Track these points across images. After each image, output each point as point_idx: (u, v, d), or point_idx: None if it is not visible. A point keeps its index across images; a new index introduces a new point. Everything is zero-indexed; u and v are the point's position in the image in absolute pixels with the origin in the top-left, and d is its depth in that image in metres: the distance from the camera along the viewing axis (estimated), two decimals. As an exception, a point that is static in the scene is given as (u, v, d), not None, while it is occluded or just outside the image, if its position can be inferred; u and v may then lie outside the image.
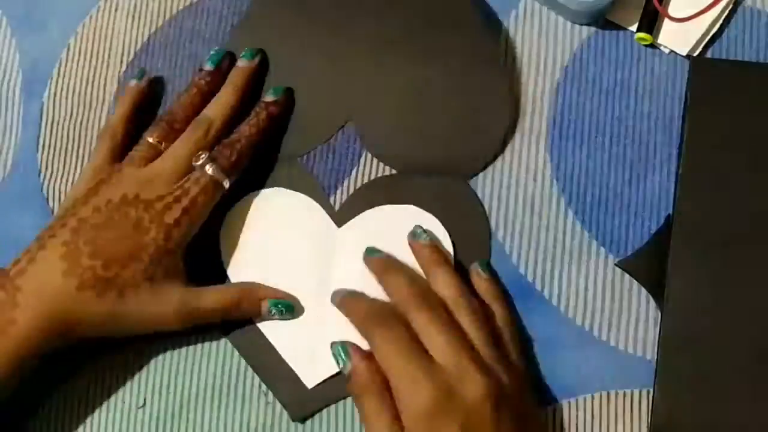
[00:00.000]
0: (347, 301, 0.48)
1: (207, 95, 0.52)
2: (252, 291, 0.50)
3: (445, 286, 0.47)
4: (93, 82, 0.57)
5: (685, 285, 0.46)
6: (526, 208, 0.51)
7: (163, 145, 0.50)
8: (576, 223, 0.50)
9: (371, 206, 0.51)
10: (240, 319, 0.50)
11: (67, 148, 0.56)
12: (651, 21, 0.50)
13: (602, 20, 0.52)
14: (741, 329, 0.46)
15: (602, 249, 0.50)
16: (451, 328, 0.44)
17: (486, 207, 0.51)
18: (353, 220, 0.51)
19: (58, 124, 0.56)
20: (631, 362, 0.48)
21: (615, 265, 0.49)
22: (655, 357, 0.47)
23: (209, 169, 0.49)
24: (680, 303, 0.46)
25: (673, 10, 0.51)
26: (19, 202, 0.55)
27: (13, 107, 0.57)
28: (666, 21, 0.50)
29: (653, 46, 0.51)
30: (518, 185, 0.51)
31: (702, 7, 0.49)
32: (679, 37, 0.50)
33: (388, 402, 0.43)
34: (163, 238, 0.47)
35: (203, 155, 0.49)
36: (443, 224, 0.50)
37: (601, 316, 0.49)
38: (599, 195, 0.50)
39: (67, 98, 0.57)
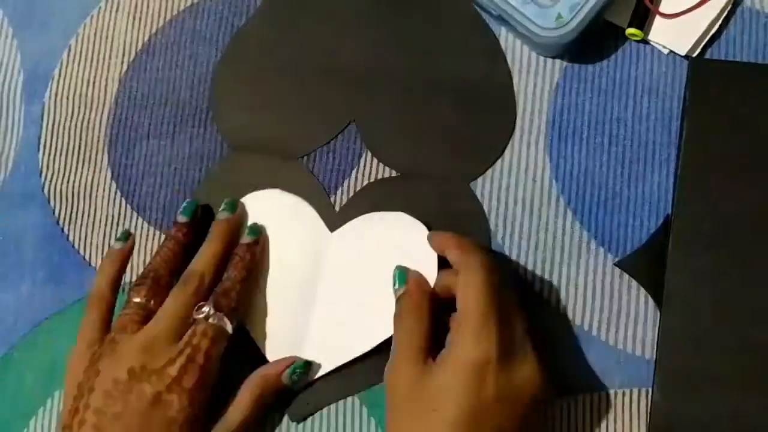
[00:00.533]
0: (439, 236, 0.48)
1: (186, 246, 0.50)
2: (266, 379, 0.48)
3: None
4: (94, 82, 0.57)
5: (684, 284, 0.46)
6: (525, 208, 0.51)
7: (152, 302, 0.48)
8: (575, 223, 0.50)
9: (372, 208, 0.52)
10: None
11: (67, 149, 0.56)
12: (642, 17, 0.51)
13: (571, 54, 0.52)
14: (740, 329, 0.46)
15: (601, 249, 0.50)
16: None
17: (486, 207, 0.51)
18: (345, 226, 0.51)
19: (59, 124, 0.56)
20: (631, 362, 0.48)
21: (614, 264, 0.49)
22: (654, 356, 0.47)
23: (213, 319, 0.46)
24: (679, 302, 0.46)
25: (664, 7, 0.51)
26: (20, 202, 0.55)
27: (14, 107, 0.57)
28: (665, 21, 0.51)
29: (645, 42, 0.51)
30: (518, 185, 0.51)
31: (691, 4, 0.50)
32: (678, 37, 0.51)
33: (425, 330, 0.44)
34: (188, 404, 0.45)
35: (205, 307, 0.47)
36: (442, 227, 0.50)
37: (601, 316, 0.49)
38: (598, 195, 0.50)
39: (68, 98, 0.57)
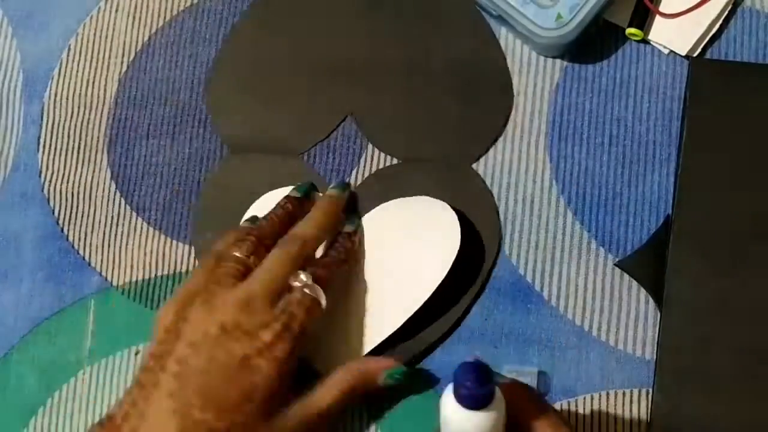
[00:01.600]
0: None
1: (294, 218, 0.49)
2: (365, 374, 0.46)
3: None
4: (94, 82, 0.57)
5: (684, 285, 0.46)
6: (525, 208, 0.51)
7: (251, 259, 0.45)
8: (575, 223, 0.50)
9: (378, 197, 0.52)
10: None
11: (67, 149, 0.56)
12: (642, 17, 0.51)
13: (571, 54, 0.52)
14: (740, 329, 0.46)
15: (601, 249, 0.50)
16: None
17: (486, 207, 0.51)
18: (368, 214, 0.51)
19: (58, 124, 0.56)
20: (631, 362, 0.48)
21: (614, 265, 0.49)
22: (655, 357, 0.47)
23: (310, 290, 0.45)
24: (679, 303, 0.46)
25: (665, 7, 0.51)
26: (20, 202, 0.55)
27: (14, 108, 0.57)
28: (665, 21, 0.51)
29: (646, 42, 0.51)
30: (518, 185, 0.51)
31: (692, 4, 0.50)
32: (678, 37, 0.51)
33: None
34: (276, 374, 0.42)
35: (303, 275, 0.45)
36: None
37: (601, 316, 0.49)
38: (599, 195, 0.50)
39: (67, 99, 0.57)
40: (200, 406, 0.41)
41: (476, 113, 0.52)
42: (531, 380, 0.48)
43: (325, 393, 0.45)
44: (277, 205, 0.50)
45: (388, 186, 0.52)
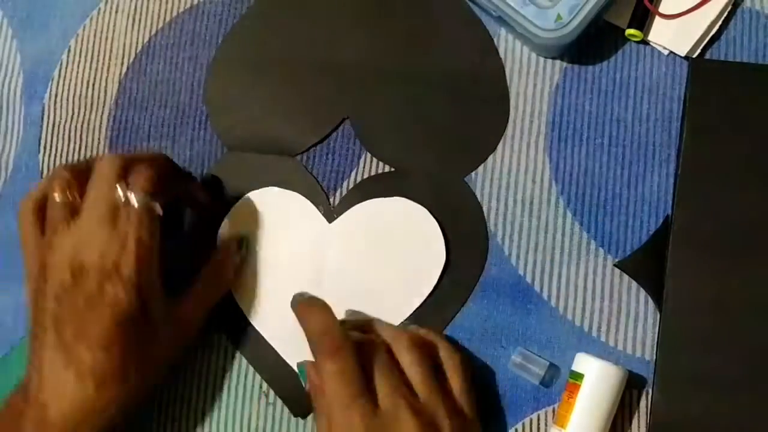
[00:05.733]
0: (304, 310, 0.47)
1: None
2: (221, 262, 0.50)
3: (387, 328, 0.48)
4: (94, 83, 0.57)
5: (683, 285, 0.46)
6: (525, 208, 0.51)
7: (76, 198, 0.46)
8: (575, 223, 0.50)
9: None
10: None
11: (68, 150, 0.56)
12: (642, 18, 0.51)
13: (570, 55, 0.52)
14: (740, 329, 0.46)
15: (601, 249, 0.50)
16: (393, 370, 0.45)
17: (485, 208, 0.51)
18: (344, 214, 0.52)
19: (59, 125, 0.56)
20: (630, 362, 0.48)
21: (614, 265, 0.49)
22: (654, 357, 0.47)
23: (134, 199, 0.45)
24: (679, 303, 0.46)
25: (664, 8, 0.51)
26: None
27: (14, 109, 0.57)
28: (664, 22, 0.51)
29: (645, 42, 0.51)
30: (517, 186, 0.51)
31: (691, 5, 0.50)
32: (677, 38, 0.51)
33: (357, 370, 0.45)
34: (135, 291, 0.44)
35: (121, 188, 0.45)
36: (440, 221, 0.50)
37: (600, 317, 0.49)
38: (598, 196, 0.50)
39: (68, 100, 0.57)
40: (85, 348, 0.44)
41: (472, 126, 0.52)
42: (540, 370, 0.48)
43: (191, 295, 0.49)
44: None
45: (380, 192, 0.52)
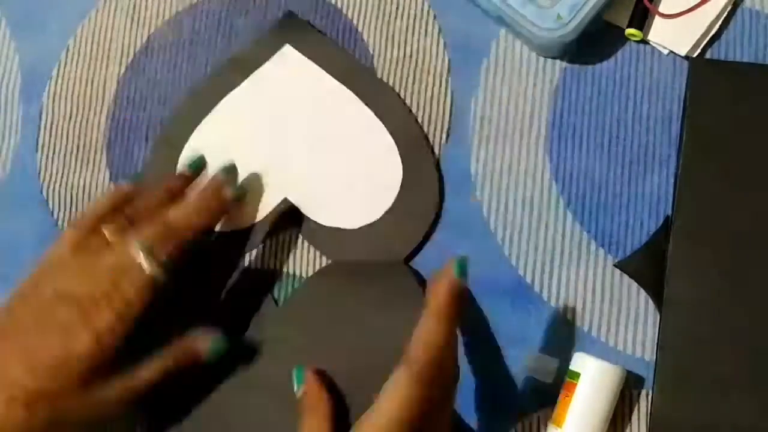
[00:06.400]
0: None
1: (174, 196, 0.49)
2: (190, 347, 0.47)
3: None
4: (92, 82, 0.57)
5: (684, 286, 0.46)
6: (525, 208, 0.51)
7: (115, 238, 0.46)
8: (575, 223, 0.50)
9: (315, 302, 0.51)
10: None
11: (66, 149, 0.56)
12: (641, 17, 0.51)
13: (570, 55, 0.52)
14: (740, 329, 0.46)
15: (601, 250, 0.50)
16: None
17: (485, 207, 0.51)
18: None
19: (57, 125, 0.56)
20: (631, 363, 0.48)
21: (614, 265, 0.49)
22: (655, 357, 0.47)
23: (146, 265, 0.45)
24: (679, 303, 0.46)
25: (664, 7, 0.51)
26: (19, 204, 0.55)
27: (13, 108, 0.57)
28: (665, 21, 0.51)
29: (645, 42, 0.51)
30: (517, 186, 0.51)
31: (691, 4, 0.50)
32: (677, 37, 0.51)
33: (329, 427, 0.44)
34: (96, 345, 0.43)
35: (143, 251, 0.45)
36: (384, 310, 0.49)
37: (600, 317, 0.49)
38: (598, 196, 0.50)
39: (66, 99, 0.56)
40: (17, 362, 0.43)
41: (405, 215, 0.51)
42: (552, 367, 0.48)
43: (147, 367, 0.46)
44: (165, 177, 0.51)
45: (328, 286, 0.51)
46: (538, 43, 0.50)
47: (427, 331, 0.41)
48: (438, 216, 0.51)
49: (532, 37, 0.50)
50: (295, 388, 0.47)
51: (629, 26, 0.51)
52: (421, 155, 0.52)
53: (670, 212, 0.49)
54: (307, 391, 0.46)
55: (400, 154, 0.52)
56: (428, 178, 0.51)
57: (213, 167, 0.51)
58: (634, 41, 0.51)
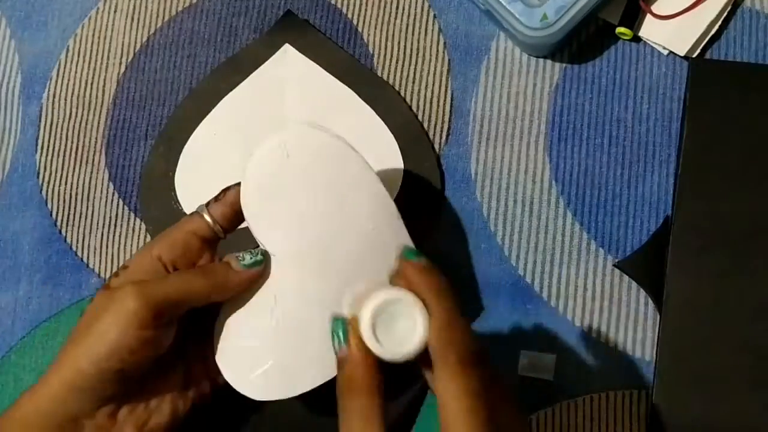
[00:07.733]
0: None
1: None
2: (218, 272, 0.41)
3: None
4: (92, 83, 0.56)
5: (683, 286, 0.46)
6: (525, 208, 0.51)
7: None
8: (575, 223, 0.50)
9: None
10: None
11: (65, 150, 0.56)
12: (632, 16, 0.51)
13: (570, 54, 0.52)
14: (739, 329, 0.46)
15: (601, 250, 0.50)
16: None
17: (486, 207, 0.51)
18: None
19: (57, 125, 0.56)
20: (630, 362, 0.48)
21: (614, 265, 0.49)
22: (654, 357, 0.47)
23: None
24: (679, 304, 0.46)
25: (658, 8, 0.51)
26: (18, 204, 0.55)
27: (12, 108, 0.57)
28: (665, 22, 0.51)
29: (644, 41, 0.51)
30: (517, 186, 0.51)
31: (686, 5, 0.50)
32: (677, 38, 0.51)
33: (380, 408, 0.36)
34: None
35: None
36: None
37: (600, 317, 0.49)
38: (598, 196, 0.50)
39: (66, 99, 0.56)
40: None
41: None
42: (549, 362, 0.48)
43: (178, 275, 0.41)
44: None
45: None
46: (522, 40, 0.50)
47: (437, 318, 0.36)
48: (439, 213, 0.51)
49: (516, 35, 0.49)
50: (335, 343, 0.38)
51: (620, 25, 0.51)
52: (422, 153, 0.52)
53: (670, 212, 0.49)
54: (351, 361, 0.37)
55: (401, 151, 0.52)
56: (429, 175, 0.52)
57: (213, 167, 0.51)
58: (625, 39, 0.51)
